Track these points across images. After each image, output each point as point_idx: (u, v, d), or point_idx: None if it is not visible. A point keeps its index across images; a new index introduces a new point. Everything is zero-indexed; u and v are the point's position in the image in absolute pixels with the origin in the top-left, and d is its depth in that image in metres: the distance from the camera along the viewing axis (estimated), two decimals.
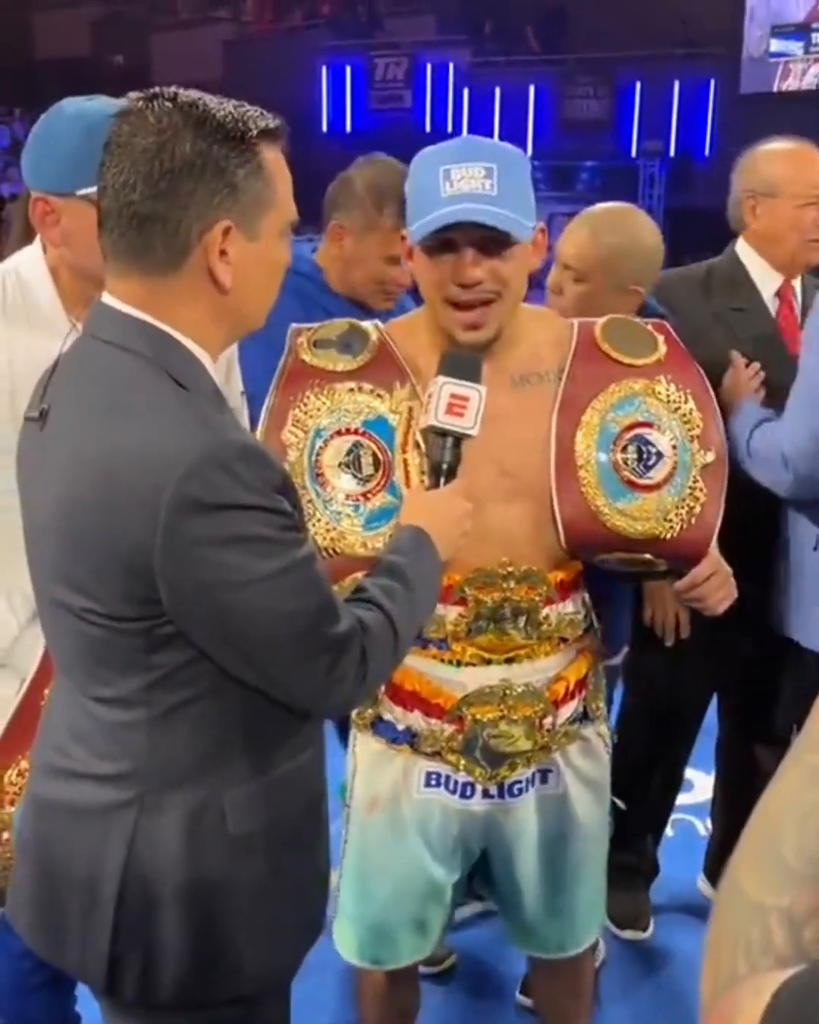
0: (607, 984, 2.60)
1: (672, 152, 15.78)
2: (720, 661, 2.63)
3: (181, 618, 1.25)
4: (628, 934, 2.76)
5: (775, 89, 14.82)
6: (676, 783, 2.87)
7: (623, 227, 2.34)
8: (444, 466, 1.59)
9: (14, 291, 1.82)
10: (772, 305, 2.56)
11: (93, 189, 1.70)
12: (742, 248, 2.55)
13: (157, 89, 1.29)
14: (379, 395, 1.72)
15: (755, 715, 2.77)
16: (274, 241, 1.33)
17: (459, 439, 1.59)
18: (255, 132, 1.28)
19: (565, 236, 2.36)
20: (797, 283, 2.58)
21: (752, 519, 2.44)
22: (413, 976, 2.06)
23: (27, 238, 1.88)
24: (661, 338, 1.84)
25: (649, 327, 1.86)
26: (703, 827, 3.15)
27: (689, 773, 3.19)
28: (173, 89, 1.29)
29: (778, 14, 14.63)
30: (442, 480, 1.59)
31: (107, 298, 1.32)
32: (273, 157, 1.31)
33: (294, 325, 1.80)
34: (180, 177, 1.24)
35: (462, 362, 1.62)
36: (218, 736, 1.33)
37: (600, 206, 2.45)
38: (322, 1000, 2.49)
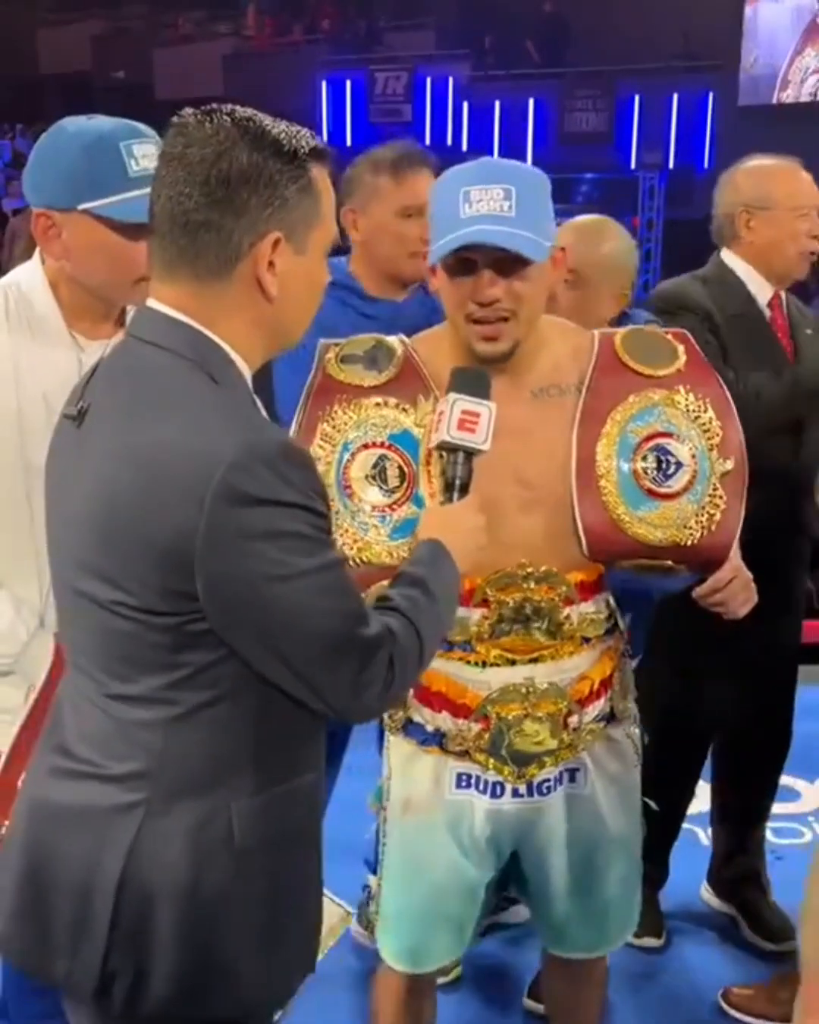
0: (611, 991, 2.59)
1: (671, 164, 15.82)
2: (734, 676, 2.65)
3: (217, 613, 1.26)
4: (646, 941, 2.77)
5: (774, 101, 14.86)
6: (689, 794, 2.88)
7: (617, 234, 2.43)
8: (457, 481, 1.62)
9: (16, 304, 1.85)
10: (766, 313, 2.59)
11: (93, 204, 1.75)
12: (731, 260, 2.59)
13: (214, 105, 1.34)
14: (404, 409, 1.76)
15: (754, 723, 2.78)
16: (319, 257, 1.38)
17: (471, 454, 1.62)
18: (307, 150, 1.33)
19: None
20: (783, 296, 2.63)
21: (770, 534, 2.49)
22: (432, 987, 2.06)
23: (31, 252, 1.91)
24: (682, 348, 1.87)
25: (670, 337, 1.90)
26: (705, 836, 3.15)
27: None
28: (229, 106, 1.34)
29: (777, 27, 14.69)
30: (455, 495, 1.62)
31: (152, 302, 1.35)
32: (321, 175, 1.36)
33: (323, 341, 1.84)
34: (236, 187, 1.28)
35: (472, 378, 1.66)
36: (234, 743, 1.33)
37: (587, 217, 2.54)
38: (332, 1014, 2.48)
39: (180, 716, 1.31)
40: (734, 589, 1.83)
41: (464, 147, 16.13)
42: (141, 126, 1.81)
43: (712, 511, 1.79)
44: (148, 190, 1.64)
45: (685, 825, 3.10)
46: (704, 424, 1.81)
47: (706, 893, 3.00)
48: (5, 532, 1.75)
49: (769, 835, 3.01)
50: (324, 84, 17.86)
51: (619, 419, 1.79)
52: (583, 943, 2.00)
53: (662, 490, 1.78)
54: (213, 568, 1.24)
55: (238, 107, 1.34)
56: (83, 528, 1.32)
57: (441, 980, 2.60)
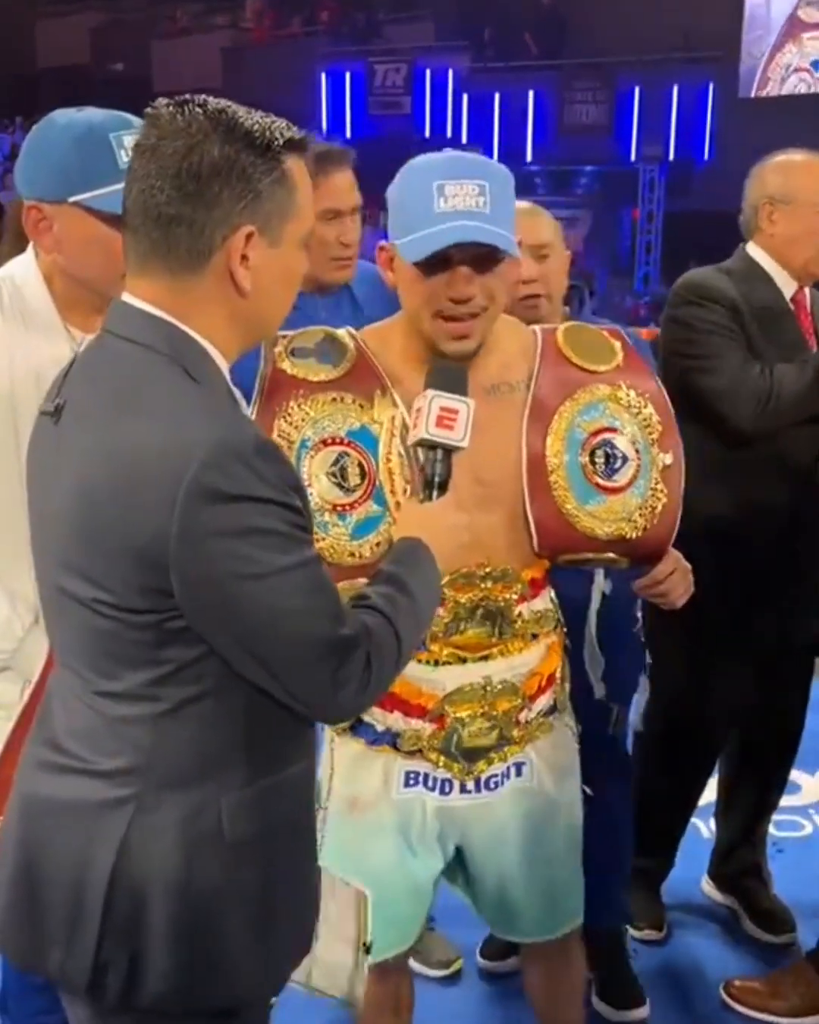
0: None
1: (672, 156, 15.81)
2: (748, 670, 2.65)
3: (192, 610, 1.26)
4: (646, 934, 2.78)
5: (774, 93, 14.86)
6: (699, 788, 2.88)
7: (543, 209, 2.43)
8: (436, 479, 1.61)
9: (10, 297, 1.84)
10: (791, 309, 2.58)
11: (84, 196, 1.74)
12: (756, 253, 2.58)
13: (186, 96, 1.32)
14: (361, 405, 1.74)
15: (768, 717, 2.78)
16: (294, 250, 1.36)
17: (450, 451, 1.61)
18: (281, 141, 1.31)
19: (525, 222, 2.35)
20: (807, 292, 2.61)
21: (793, 529, 2.50)
22: (402, 967, 2.05)
23: (19, 246, 1.90)
24: (618, 344, 1.89)
25: (605, 333, 1.92)
26: (707, 829, 3.15)
27: None
28: (203, 97, 1.32)
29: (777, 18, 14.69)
30: (434, 493, 1.61)
31: (127, 297, 1.34)
32: (297, 167, 1.34)
33: None
34: (207, 180, 1.27)
35: (449, 375, 1.65)
36: (221, 737, 1.33)
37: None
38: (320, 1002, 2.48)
39: (166, 712, 1.30)
40: (674, 581, 1.87)
41: (464, 139, 16.12)
42: (131, 117, 1.79)
43: (654, 504, 1.81)
44: None
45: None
46: (644, 419, 1.83)
47: (707, 886, 3.00)
48: (0, 526, 1.74)
49: (770, 828, 3.01)
50: (323, 76, 17.86)
51: (567, 414, 1.80)
52: (533, 927, 2.02)
53: (609, 484, 1.80)
54: (187, 566, 1.23)
55: (211, 98, 1.31)
56: (62, 526, 1.31)
57: (442, 973, 2.64)
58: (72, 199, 1.74)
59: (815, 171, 2.57)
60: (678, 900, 2.94)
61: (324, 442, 1.72)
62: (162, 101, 1.31)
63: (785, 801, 3.05)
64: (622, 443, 1.81)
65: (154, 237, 1.29)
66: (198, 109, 1.29)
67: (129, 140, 1.71)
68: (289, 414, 1.72)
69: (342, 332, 1.82)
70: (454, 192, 1.65)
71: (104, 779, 1.33)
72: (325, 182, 2.37)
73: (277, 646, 1.28)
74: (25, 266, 1.86)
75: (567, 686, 1.99)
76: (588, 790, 2.04)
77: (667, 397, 1.87)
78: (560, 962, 2.10)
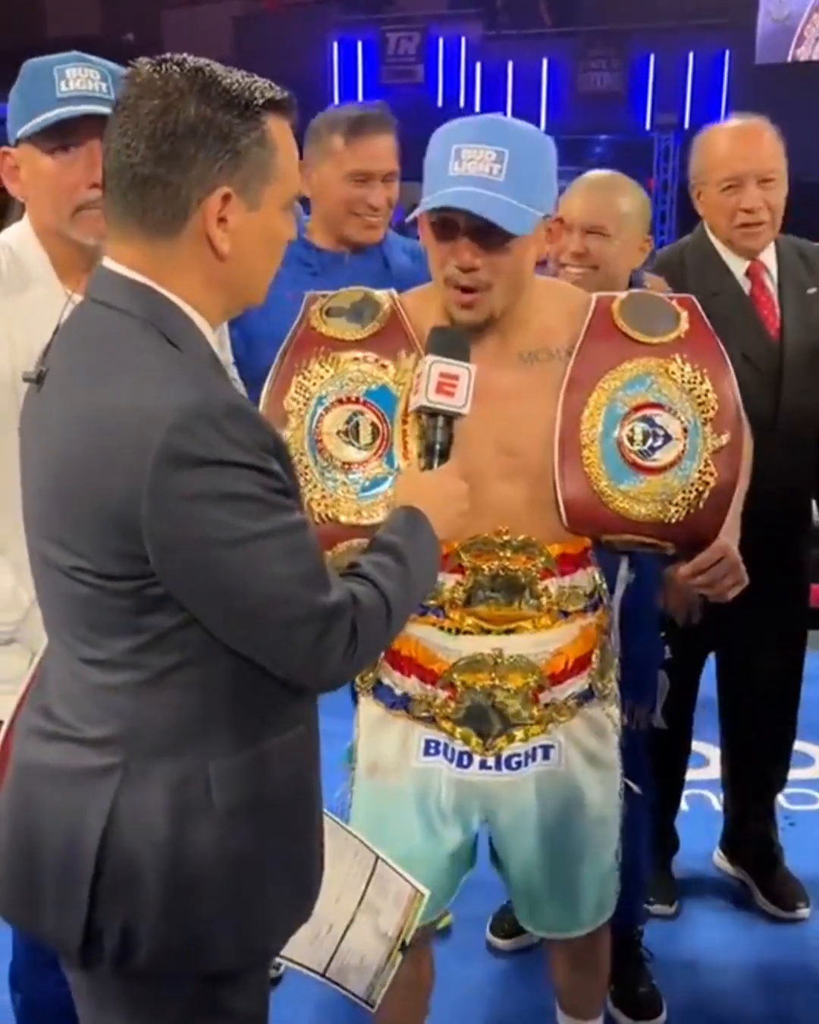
0: None
1: (687, 124, 15.63)
2: (711, 620, 2.63)
3: (168, 577, 1.25)
4: (655, 909, 2.77)
5: (790, 58, 14.66)
6: (684, 752, 2.87)
7: (631, 187, 2.34)
8: (437, 446, 1.59)
9: (8, 263, 1.83)
10: (745, 285, 2.52)
11: (26, 128, 1.72)
12: (708, 229, 2.54)
13: (167, 55, 1.30)
14: (383, 365, 1.73)
15: (750, 672, 2.76)
16: (275, 213, 1.33)
17: (451, 418, 1.59)
18: (261, 101, 1.28)
19: (582, 202, 2.28)
20: (767, 256, 2.54)
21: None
22: (423, 945, 2.04)
23: (21, 211, 1.90)
24: (685, 314, 1.81)
25: (674, 302, 1.84)
26: (717, 801, 3.16)
27: (701, 747, 3.21)
28: (181, 55, 1.29)
29: None
30: (435, 461, 1.59)
31: (107, 261, 1.33)
32: (279, 129, 1.31)
33: (310, 293, 1.81)
34: (182, 140, 1.25)
35: (451, 340, 1.62)
36: (205, 705, 1.32)
37: (599, 172, 2.42)
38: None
39: (149, 680, 1.30)
40: (719, 571, 1.78)
41: (477, 108, 15.98)
42: (95, 58, 1.78)
43: (701, 488, 1.73)
44: (79, 108, 1.64)
45: (697, 791, 3.12)
46: (699, 396, 1.74)
47: (718, 858, 3.00)
48: (3, 496, 1.73)
49: (782, 800, 3.01)
50: (335, 45, 17.67)
51: (608, 387, 1.73)
52: (554, 922, 1.99)
53: (647, 464, 1.73)
54: (160, 532, 1.22)
55: (191, 56, 1.29)
56: (45, 494, 1.31)
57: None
58: (18, 134, 1.74)
59: (714, 145, 2.48)
60: (689, 873, 2.95)
61: (340, 401, 1.71)
62: (142, 60, 1.30)
63: (796, 774, 3.05)
64: (665, 420, 1.73)
65: (130, 199, 1.28)
66: (175, 67, 1.27)
67: (72, 71, 1.69)
68: (308, 371, 1.72)
69: (382, 293, 1.80)
70: (470, 156, 1.61)
71: (91, 746, 1.34)
72: (358, 145, 2.41)
73: (256, 613, 1.27)
74: (20, 229, 1.85)
75: (612, 675, 1.92)
76: (635, 787, 1.98)
77: (731, 373, 1.78)
78: (584, 956, 2.08)
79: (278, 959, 1.64)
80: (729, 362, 1.79)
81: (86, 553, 1.27)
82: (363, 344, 1.74)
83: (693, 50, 15.38)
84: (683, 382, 1.75)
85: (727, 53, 15.35)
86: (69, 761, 1.35)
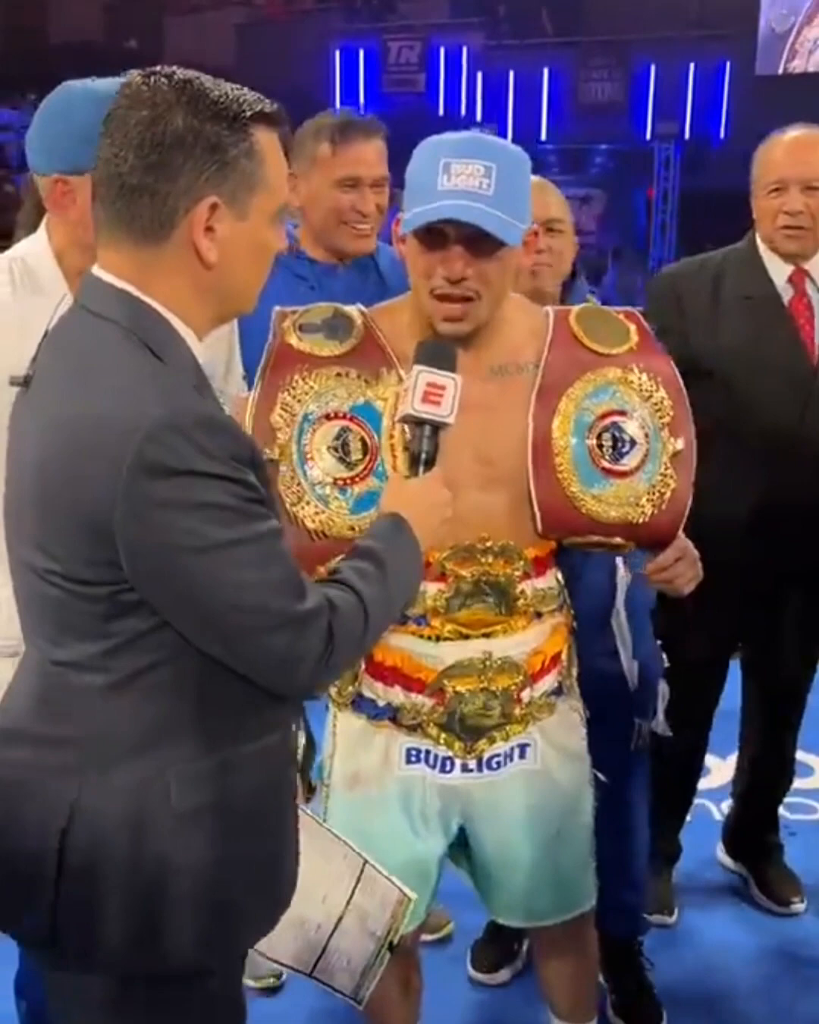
0: None
1: (687, 135, 15.70)
2: (733, 626, 2.63)
3: (141, 583, 1.26)
4: (654, 919, 2.75)
5: (791, 70, 14.73)
6: (698, 765, 2.87)
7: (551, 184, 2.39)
8: (423, 455, 1.61)
9: (21, 276, 1.84)
10: (785, 293, 2.54)
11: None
12: (757, 234, 2.55)
13: (158, 67, 1.31)
14: (366, 381, 1.75)
15: (769, 679, 2.76)
16: (263, 223, 1.35)
17: (437, 428, 1.61)
18: (249, 113, 1.30)
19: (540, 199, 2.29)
20: (814, 264, 2.55)
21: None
22: (410, 950, 2.05)
23: (35, 222, 1.89)
24: (633, 327, 1.87)
25: (621, 316, 1.90)
26: (718, 812, 3.15)
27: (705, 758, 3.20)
28: (172, 68, 1.32)
29: None
30: (421, 469, 1.61)
31: (96, 269, 1.34)
32: (267, 141, 1.33)
33: (278, 308, 1.82)
34: (170, 151, 1.27)
35: (438, 351, 1.65)
36: (170, 710, 1.33)
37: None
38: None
39: (115, 683, 1.31)
40: (680, 568, 1.85)
41: (478, 117, 16.05)
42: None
43: (663, 490, 1.80)
44: None
45: (700, 801, 3.11)
46: (656, 403, 1.82)
47: (721, 853, 3.01)
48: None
49: (783, 811, 3.00)
50: (337, 53, 17.77)
51: (575, 396, 1.79)
52: (542, 911, 2.01)
53: (616, 468, 1.79)
54: (132, 540, 1.24)
55: (180, 69, 1.31)
56: (24, 497, 1.33)
57: (432, 937, 2.63)
58: (80, 166, 1.69)
59: (765, 151, 2.52)
60: (692, 879, 2.94)
61: (327, 416, 1.72)
62: (135, 72, 1.32)
63: (799, 784, 3.04)
64: (631, 427, 1.80)
65: (118, 207, 1.29)
66: (164, 79, 1.29)
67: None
68: (293, 387, 1.73)
69: (352, 309, 1.82)
70: (459, 171, 1.64)
71: (53, 748, 1.35)
72: (345, 151, 2.37)
73: (228, 620, 1.28)
74: (35, 244, 1.85)
75: (575, 670, 1.98)
76: (599, 775, 2.02)
77: (681, 382, 1.85)
78: (570, 948, 2.09)
79: (268, 960, 1.66)
80: (678, 374, 1.86)
81: (59, 557, 1.29)
82: (342, 360, 1.76)
83: (694, 61, 15.46)
84: (641, 389, 1.83)
85: (727, 64, 15.43)
86: (34, 761, 1.37)
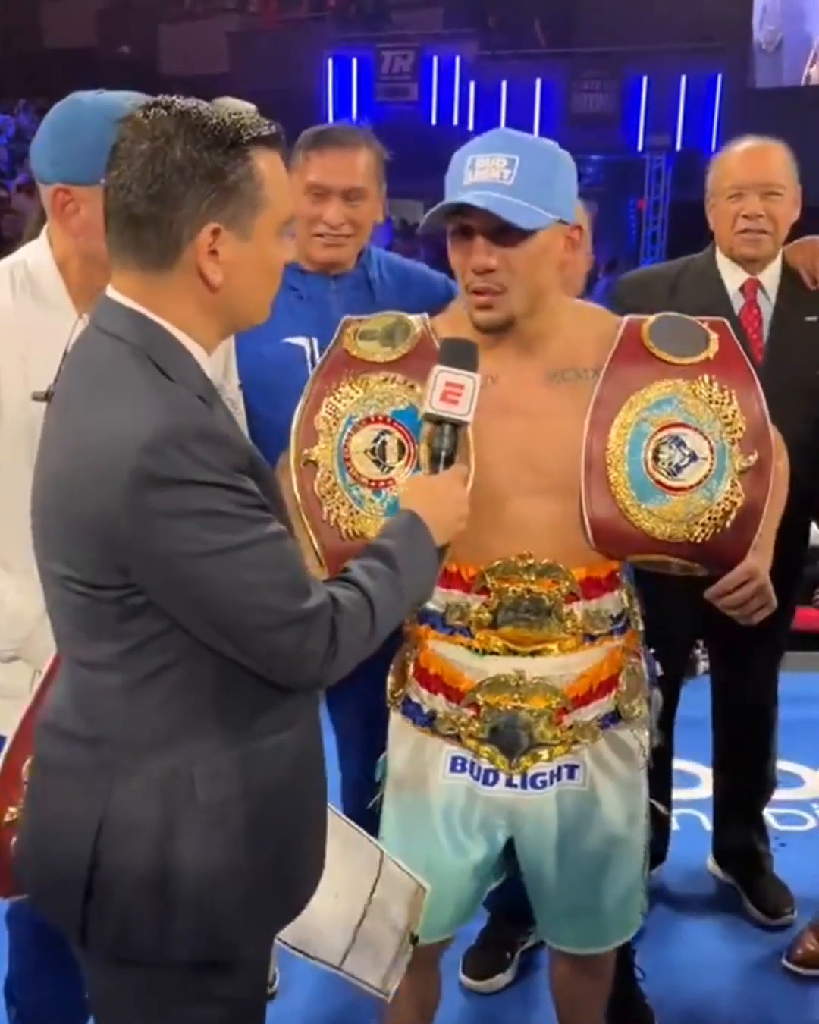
0: None
1: (679, 146, 15.74)
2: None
3: (151, 588, 1.33)
4: None
5: (783, 83, 14.80)
6: (668, 767, 2.86)
7: None
8: (442, 452, 1.62)
9: (23, 283, 1.84)
10: (736, 302, 2.53)
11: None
12: (717, 244, 2.58)
13: (159, 97, 1.37)
14: (411, 386, 1.77)
15: (735, 687, 2.76)
16: (268, 241, 1.39)
17: (456, 426, 1.62)
18: (247, 138, 1.34)
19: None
20: (768, 276, 2.54)
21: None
22: (432, 963, 2.04)
23: (39, 230, 1.89)
24: (715, 336, 1.83)
25: (705, 325, 1.86)
26: (707, 821, 3.15)
27: (693, 768, 3.20)
28: (172, 97, 1.36)
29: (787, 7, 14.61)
30: (440, 466, 1.63)
31: (110, 291, 1.40)
32: (267, 161, 1.37)
33: (347, 316, 1.88)
34: (171, 181, 1.32)
35: (459, 350, 1.65)
36: (190, 706, 1.39)
37: None
38: (335, 1001, 2.47)
39: (136, 682, 1.38)
40: (746, 593, 1.78)
41: (471, 127, 16.06)
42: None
43: (727, 508, 1.74)
44: None
45: (689, 811, 3.11)
46: (726, 417, 1.76)
47: (711, 865, 3.00)
48: (10, 513, 1.73)
49: (772, 822, 3.00)
50: (330, 62, 17.76)
51: (635, 407, 1.75)
52: (575, 939, 1.99)
53: (673, 484, 1.74)
54: (137, 548, 1.30)
55: (180, 98, 1.36)
56: (45, 508, 1.40)
57: (434, 939, 2.62)
58: (104, 181, 1.70)
59: (723, 158, 2.57)
60: (681, 890, 2.94)
61: (368, 420, 1.77)
62: (137, 105, 1.37)
63: (788, 795, 3.05)
64: (693, 440, 1.75)
65: (126, 236, 1.35)
66: (163, 110, 1.34)
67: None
68: (338, 392, 1.79)
69: (414, 317, 1.85)
70: (483, 165, 1.68)
71: (86, 745, 1.43)
72: (316, 159, 2.34)
73: (236, 621, 1.33)
74: (37, 252, 1.85)
75: (641, 700, 1.91)
76: (660, 807, 1.98)
77: (761, 396, 1.79)
78: (585, 971, 2.06)
79: (296, 953, 1.72)
80: (758, 383, 1.81)
81: (76, 564, 1.35)
82: (392, 366, 1.80)
83: (685, 73, 15.51)
84: (710, 401, 1.77)
85: (719, 76, 15.48)
86: (69, 757, 1.45)
